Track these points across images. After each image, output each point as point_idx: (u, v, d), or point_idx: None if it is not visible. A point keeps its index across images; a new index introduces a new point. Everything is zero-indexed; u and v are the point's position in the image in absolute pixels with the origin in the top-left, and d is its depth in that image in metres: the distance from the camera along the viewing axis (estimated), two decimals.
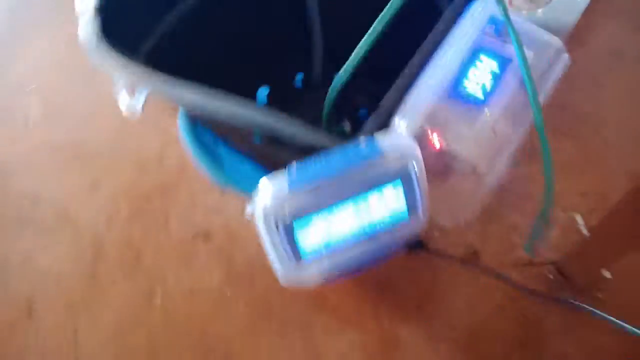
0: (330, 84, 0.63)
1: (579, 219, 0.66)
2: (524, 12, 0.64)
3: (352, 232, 0.33)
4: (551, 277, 0.63)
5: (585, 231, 0.65)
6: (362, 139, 0.32)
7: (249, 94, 0.62)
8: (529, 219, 0.68)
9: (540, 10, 0.65)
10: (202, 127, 0.54)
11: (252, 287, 0.65)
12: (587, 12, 0.81)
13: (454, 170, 0.36)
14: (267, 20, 0.59)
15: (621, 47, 0.77)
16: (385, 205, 0.33)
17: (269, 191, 0.30)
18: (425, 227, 0.36)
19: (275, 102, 0.62)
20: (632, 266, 0.62)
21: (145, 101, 0.49)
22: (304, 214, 0.31)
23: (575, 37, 0.79)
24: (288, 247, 0.32)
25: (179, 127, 0.54)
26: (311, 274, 0.34)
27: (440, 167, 0.37)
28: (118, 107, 0.49)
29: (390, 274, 0.65)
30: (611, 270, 0.62)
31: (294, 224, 0.31)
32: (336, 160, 0.31)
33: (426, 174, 0.37)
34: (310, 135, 0.34)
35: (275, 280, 0.64)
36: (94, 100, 0.84)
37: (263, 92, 0.62)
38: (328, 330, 0.62)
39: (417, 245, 0.46)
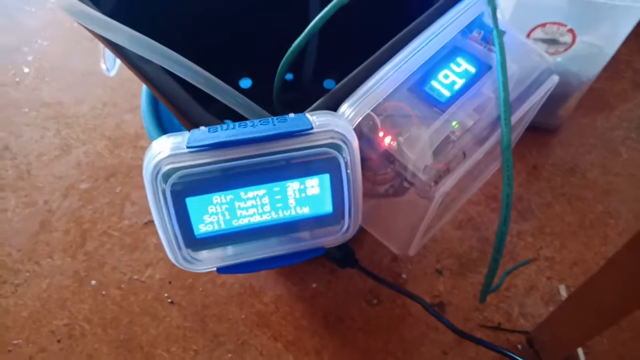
0: (321, 86, 0.60)
1: (562, 290, 0.60)
2: None
3: (263, 221, 0.28)
4: (519, 347, 0.56)
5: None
6: (291, 114, 0.27)
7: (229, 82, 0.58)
8: (503, 281, 0.62)
9: (559, 57, 0.60)
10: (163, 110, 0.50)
11: (191, 293, 0.59)
12: (615, 76, 0.77)
13: (400, 179, 0.31)
14: (264, 12, 0.56)
15: None
16: (306, 197, 0.28)
17: (163, 148, 0.25)
18: (352, 235, 0.30)
19: (258, 97, 0.58)
20: (610, 351, 0.55)
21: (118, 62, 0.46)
22: (202, 183, 0.26)
23: (598, 98, 0.74)
24: (177, 224, 0.26)
25: (142, 108, 0.50)
26: (206, 259, 0.28)
27: (387, 174, 0.31)
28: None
29: (343, 307, 0.59)
30: (587, 350, 0.55)
31: (190, 194, 0.26)
32: (254, 126, 0.26)
33: (370, 181, 0.32)
34: (243, 103, 0.29)
35: (217, 290, 0.59)
36: (90, 65, 0.81)
37: (245, 83, 0.58)
38: (263, 354, 0.55)
39: (348, 262, 0.40)
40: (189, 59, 0.44)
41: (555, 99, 0.63)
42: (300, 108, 0.56)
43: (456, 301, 0.60)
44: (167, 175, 0.25)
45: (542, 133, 0.72)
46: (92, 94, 0.78)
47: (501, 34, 0.31)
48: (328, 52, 0.54)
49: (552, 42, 0.57)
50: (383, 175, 0.32)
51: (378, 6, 0.50)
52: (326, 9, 0.32)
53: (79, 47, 0.85)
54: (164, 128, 0.48)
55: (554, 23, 0.55)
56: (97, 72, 0.80)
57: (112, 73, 0.46)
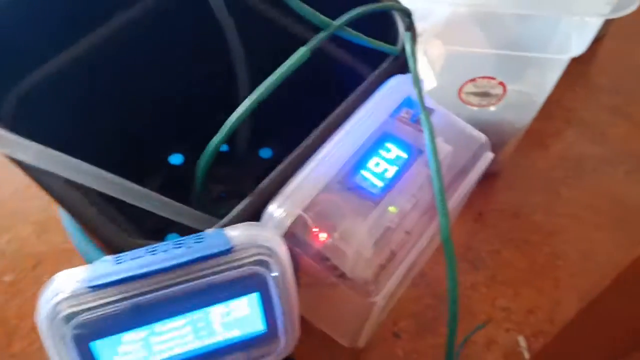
0: (257, 156, 0.58)
1: (521, 341, 0.59)
2: (475, 107, 0.60)
3: (186, 352, 0.25)
4: None
5: (527, 355, 0.58)
6: (208, 231, 0.25)
7: (159, 159, 0.55)
8: (463, 335, 0.60)
9: (492, 107, 0.60)
10: None
11: None
12: (548, 116, 0.79)
13: (340, 274, 0.29)
14: (189, 85, 0.53)
15: (580, 155, 0.74)
16: (234, 320, 0.25)
17: (64, 287, 0.22)
18: (292, 349, 0.27)
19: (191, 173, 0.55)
20: None
21: None
22: (110, 323, 0.22)
23: (534, 139, 0.76)
24: None
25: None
26: None
27: (324, 269, 0.29)
28: None
29: None
30: None
31: (95, 337, 0.22)
32: (167, 251, 0.23)
33: (308, 278, 0.30)
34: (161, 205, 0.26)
35: None
36: None
37: (177, 159, 0.55)
38: None
39: None
40: (114, 141, 0.41)
41: (493, 148, 0.64)
42: (236, 184, 0.53)
43: None
44: (67, 319, 0.22)
45: (485, 178, 0.72)
46: (14, 176, 0.72)
47: (429, 115, 0.30)
48: (263, 120, 0.52)
49: (484, 94, 0.57)
50: (319, 274, 0.29)
51: (312, 75, 0.48)
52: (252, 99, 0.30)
53: None
54: None
55: (484, 77, 0.55)
56: None
57: None
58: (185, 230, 0.31)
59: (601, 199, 0.70)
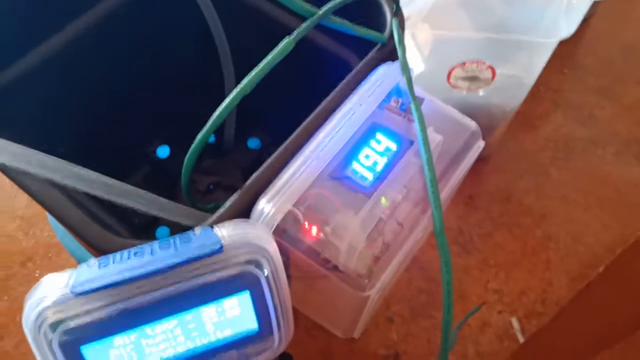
0: (245, 146, 0.57)
1: (515, 322, 0.59)
2: (464, 91, 0.59)
3: (179, 354, 0.24)
4: None
5: (520, 337, 0.58)
6: (196, 229, 0.24)
7: (145, 154, 0.54)
8: (458, 318, 0.61)
9: (481, 91, 0.60)
10: None
11: None
12: (536, 98, 0.79)
13: (333, 268, 0.28)
14: (173, 74, 0.52)
15: (568, 137, 0.74)
16: (225, 320, 0.24)
17: (49, 292, 0.21)
18: (286, 346, 0.27)
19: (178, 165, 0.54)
20: None
21: None
22: (99, 327, 0.22)
23: (523, 121, 0.75)
24: None
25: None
26: None
27: (317, 264, 0.29)
28: None
29: None
30: None
31: (85, 342, 0.22)
32: (153, 254, 0.22)
33: (300, 271, 0.29)
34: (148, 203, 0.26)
35: None
36: None
37: (163, 151, 0.54)
38: None
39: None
40: (95, 136, 0.40)
41: (483, 132, 0.63)
42: (224, 175, 0.53)
43: (410, 349, 0.58)
44: (53, 327, 0.21)
45: (475, 162, 0.72)
46: None
47: (419, 104, 0.29)
48: (250, 110, 0.51)
49: (473, 79, 0.57)
50: (312, 268, 0.29)
51: (298, 65, 0.48)
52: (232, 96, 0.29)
53: None
54: None
55: (473, 62, 0.54)
56: None
57: None
58: (176, 224, 0.30)
59: (590, 180, 0.70)
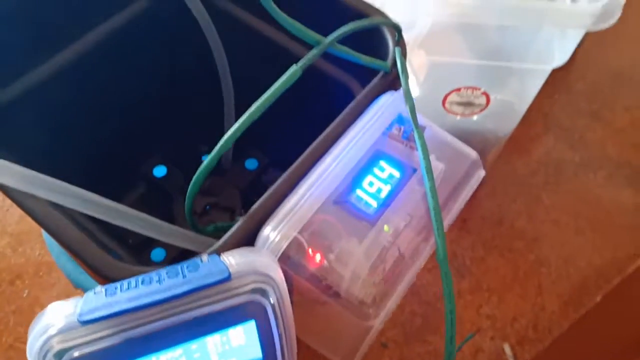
0: (243, 167, 0.57)
1: (507, 349, 0.59)
2: (458, 117, 0.60)
3: None
4: None
5: None
6: (203, 256, 0.24)
7: (142, 173, 0.54)
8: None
9: (475, 117, 0.61)
10: None
11: None
12: (528, 122, 0.80)
13: (336, 295, 0.28)
14: (170, 94, 0.52)
15: (559, 160, 0.75)
16: (230, 349, 0.24)
17: (55, 321, 0.21)
18: None
19: (175, 185, 0.54)
20: None
21: None
22: (103, 356, 0.22)
23: (515, 144, 0.76)
24: None
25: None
26: None
27: (320, 291, 0.29)
28: None
29: None
30: None
31: None
32: (160, 282, 0.22)
33: (300, 296, 0.29)
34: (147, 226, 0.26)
35: None
36: None
37: (160, 171, 0.54)
38: None
39: None
40: (97, 150, 0.39)
41: None
42: (221, 196, 0.52)
43: None
44: (59, 355, 0.21)
45: None
46: None
47: (422, 133, 0.30)
48: (248, 131, 0.51)
49: (467, 104, 0.58)
50: (314, 295, 0.29)
51: (299, 89, 0.48)
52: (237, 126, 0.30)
53: None
54: None
55: (468, 88, 0.55)
56: None
57: None
58: (171, 246, 0.30)
59: (581, 203, 0.71)
